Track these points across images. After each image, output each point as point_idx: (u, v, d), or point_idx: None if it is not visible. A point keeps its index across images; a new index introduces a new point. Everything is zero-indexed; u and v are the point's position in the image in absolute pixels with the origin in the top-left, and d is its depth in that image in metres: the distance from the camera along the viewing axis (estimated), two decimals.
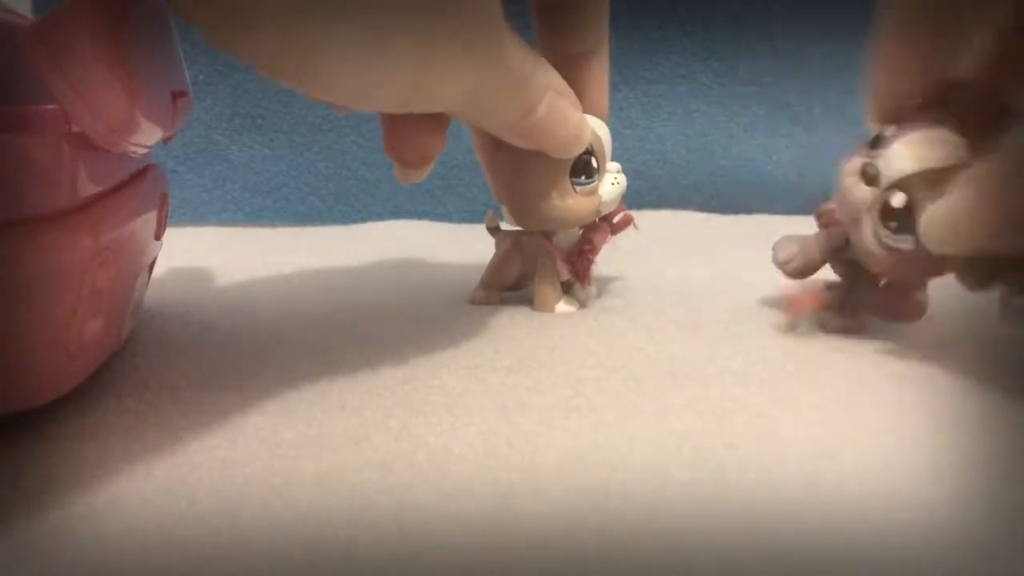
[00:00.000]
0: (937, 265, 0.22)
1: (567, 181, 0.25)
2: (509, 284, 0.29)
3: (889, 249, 0.22)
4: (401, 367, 0.22)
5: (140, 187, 0.21)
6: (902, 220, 0.21)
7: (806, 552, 0.14)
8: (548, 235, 0.27)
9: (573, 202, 0.25)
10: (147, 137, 0.19)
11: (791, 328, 0.25)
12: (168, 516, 0.15)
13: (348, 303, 0.29)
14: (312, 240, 0.39)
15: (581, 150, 0.25)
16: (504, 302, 0.28)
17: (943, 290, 0.29)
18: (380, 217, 0.44)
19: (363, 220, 0.43)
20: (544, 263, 0.27)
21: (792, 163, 0.46)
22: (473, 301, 0.29)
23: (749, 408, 0.19)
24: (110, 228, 0.19)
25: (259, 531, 0.15)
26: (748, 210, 0.44)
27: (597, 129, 0.26)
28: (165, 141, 0.21)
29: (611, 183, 0.26)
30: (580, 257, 0.27)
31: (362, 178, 0.45)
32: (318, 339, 0.25)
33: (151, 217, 0.23)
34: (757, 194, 0.45)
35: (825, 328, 0.25)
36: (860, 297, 0.25)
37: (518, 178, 0.26)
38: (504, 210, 0.27)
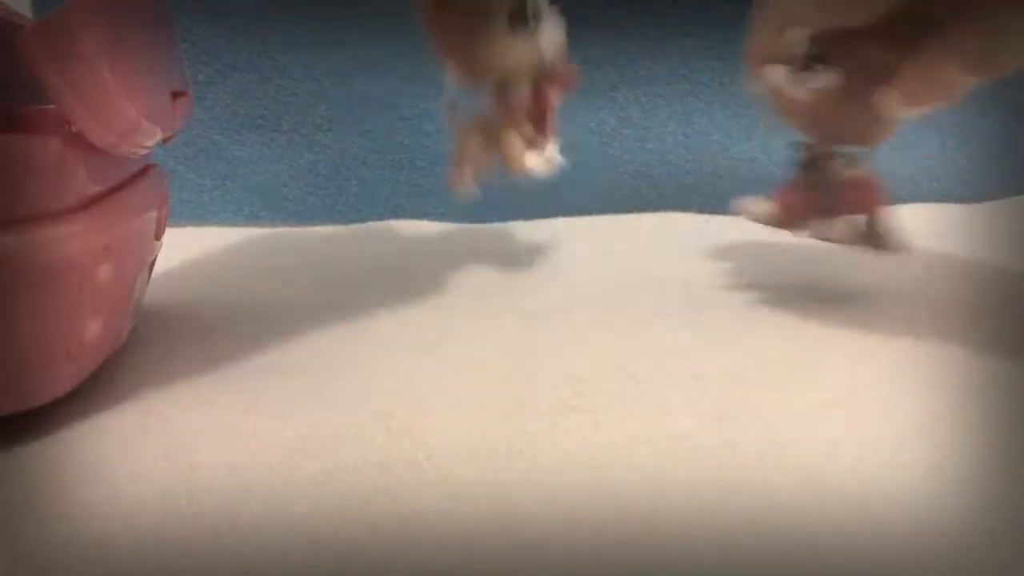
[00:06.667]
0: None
1: (504, 26, 0.27)
2: (479, 159, 0.29)
3: (808, 96, 0.25)
4: (402, 367, 0.22)
5: (140, 187, 0.21)
6: (814, 59, 0.25)
7: (806, 551, 0.14)
8: (502, 95, 0.28)
9: (512, 46, 0.27)
10: (147, 138, 0.19)
11: (794, 232, 0.27)
12: (168, 516, 0.15)
13: (348, 303, 0.29)
14: (312, 240, 0.39)
15: None
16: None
17: (945, 286, 0.29)
18: (380, 217, 0.44)
19: (363, 220, 0.43)
20: (504, 121, 0.28)
21: (792, 163, 0.46)
22: (450, 184, 0.29)
23: (749, 408, 0.19)
24: (110, 228, 0.19)
25: (259, 531, 0.15)
26: None
27: None
28: (165, 141, 0.21)
29: (547, 31, 0.27)
30: (538, 110, 0.29)
31: (362, 178, 0.45)
32: (318, 339, 0.25)
33: (151, 217, 0.23)
34: (757, 194, 0.45)
35: (821, 236, 0.26)
36: (834, 196, 0.26)
37: (462, 28, 0.27)
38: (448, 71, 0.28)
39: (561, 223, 0.41)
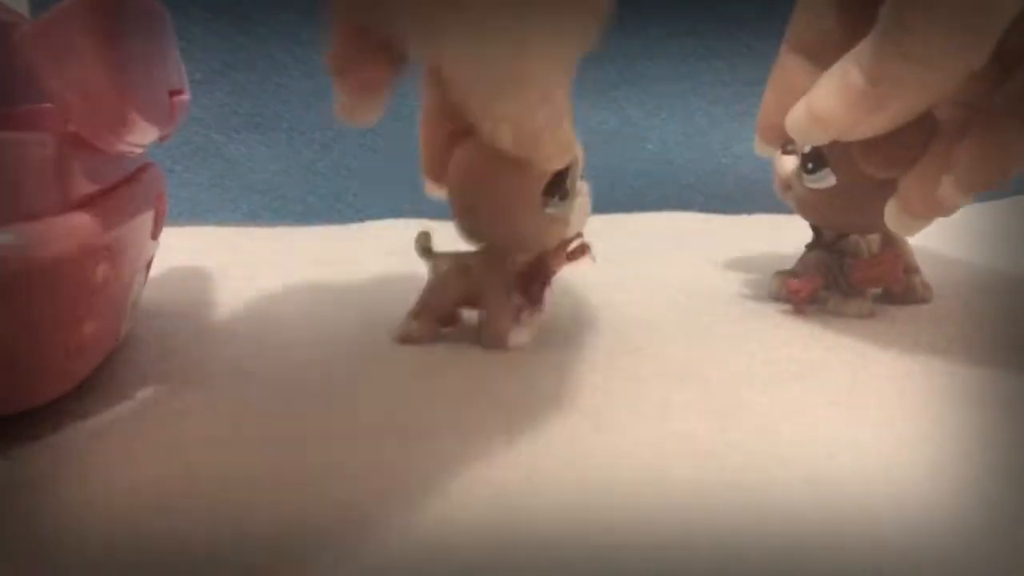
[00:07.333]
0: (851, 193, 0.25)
1: (538, 200, 0.22)
2: (447, 315, 0.24)
3: (813, 192, 0.25)
4: (402, 367, 0.22)
5: (137, 186, 0.21)
6: (814, 162, 0.25)
7: (807, 551, 0.14)
8: (501, 257, 0.23)
9: (542, 225, 0.22)
10: (143, 136, 0.19)
11: (801, 313, 0.26)
12: (167, 516, 0.15)
13: (347, 303, 0.29)
14: (310, 240, 0.39)
15: (564, 164, 0.22)
16: (442, 339, 0.24)
17: (946, 286, 0.29)
18: (379, 216, 0.44)
19: (361, 219, 0.43)
20: (495, 289, 0.23)
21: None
22: (403, 338, 0.24)
23: (750, 408, 0.19)
24: (107, 227, 0.19)
25: (259, 531, 0.15)
26: (749, 210, 0.44)
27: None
28: (162, 140, 0.21)
29: (578, 207, 0.23)
30: (536, 281, 0.23)
31: (361, 177, 0.45)
32: (317, 339, 0.25)
33: (148, 216, 0.22)
34: (758, 193, 0.45)
35: (838, 313, 0.26)
36: (846, 273, 0.27)
37: (483, 187, 0.22)
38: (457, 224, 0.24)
39: None
